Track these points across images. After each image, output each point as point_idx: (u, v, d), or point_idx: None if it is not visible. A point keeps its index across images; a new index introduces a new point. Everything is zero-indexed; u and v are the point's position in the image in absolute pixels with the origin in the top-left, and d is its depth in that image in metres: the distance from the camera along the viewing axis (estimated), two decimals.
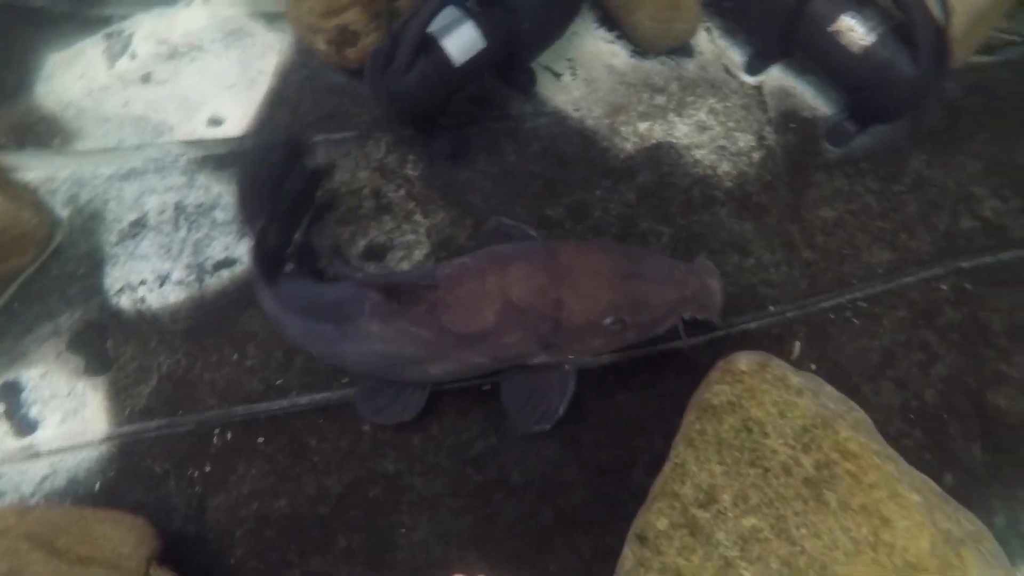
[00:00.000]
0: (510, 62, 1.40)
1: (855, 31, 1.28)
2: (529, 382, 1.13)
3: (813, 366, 1.22)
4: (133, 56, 1.62)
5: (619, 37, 1.56)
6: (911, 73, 1.24)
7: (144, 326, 1.28)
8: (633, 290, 1.07)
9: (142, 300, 1.30)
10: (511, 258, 1.10)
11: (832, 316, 1.26)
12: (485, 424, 1.17)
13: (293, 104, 1.52)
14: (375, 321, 1.08)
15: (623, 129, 1.45)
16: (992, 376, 1.19)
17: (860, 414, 0.87)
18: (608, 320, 1.06)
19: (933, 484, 0.81)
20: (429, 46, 1.25)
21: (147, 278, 1.32)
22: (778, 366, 0.87)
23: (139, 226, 1.38)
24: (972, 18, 1.28)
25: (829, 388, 0.89)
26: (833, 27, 1.30)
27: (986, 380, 1.18)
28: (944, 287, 1.28)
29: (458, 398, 1.19)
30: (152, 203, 1.40)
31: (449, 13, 1.27)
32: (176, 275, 1.32)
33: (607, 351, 1.15)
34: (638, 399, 1.17)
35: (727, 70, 1.52)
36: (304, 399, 1.19)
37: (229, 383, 1.22)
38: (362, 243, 1.34)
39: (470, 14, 1.29)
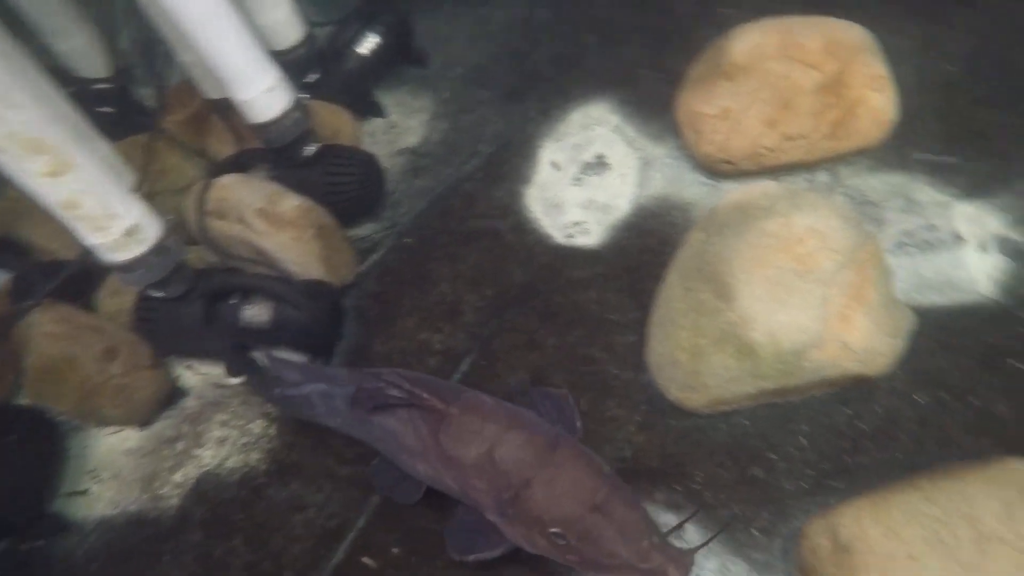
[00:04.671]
0: (17, 529, 1.48)
1: (257, 315, 1.63)
2: (478, 522, 1.25)
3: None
4: None
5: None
6: (300, 314, 1.60)
7: None
8: (591, 522, 1.11)
9: None
10: (521, 425, 1.24)
11: None
12: None
13: None
14: None
15: (163, 491, 1.60)
16: None
17: None
18: (556, 530, 1.14)
19: None
20: None
21: None
22: None
23: None
24: (321, 259, 1.71)
25: None
26: (243, 323, 1.63)
27: None
28: None
29: None
30: None
31: None
32: None
33: (545, 554, 1.21)
34: None
35: (218, 385, 1.78)
36: None
37: None
38: None
39: None
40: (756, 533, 1.35)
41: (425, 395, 1.28)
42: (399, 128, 2.35)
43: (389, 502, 1.48)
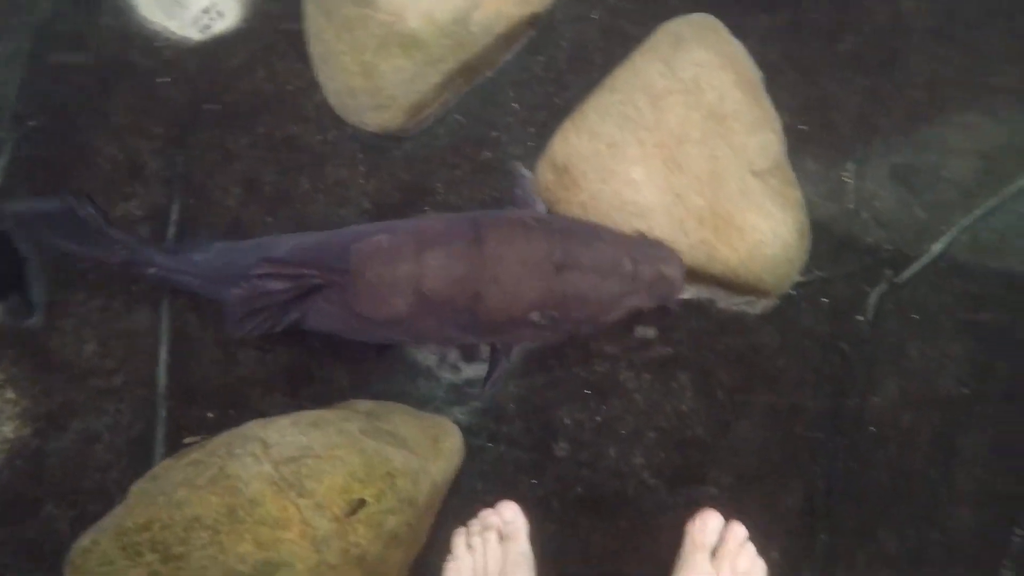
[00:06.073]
0: None
1: None
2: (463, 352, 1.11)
3: None
4: None
5: None
6: None
7: None
8: (565, 284, 0.98)
9: None
10: (431, 241, 1.01)
11: None
12: None
13: None
14: None
15: None
16: None
17: None
18: (534, 315, 1.00)
19: None
20: None
21: None
22: None
23: None
24: None
25: None
26: None
27: None
28: None
29: None
30: None
31: None
32: None
33: (541, 342, 1.09)
34: None
35: None
36: None
37: None
38: None
39: None
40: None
41: (306, 273, 1.02)
42: None
43: (177, 380, 1.38)
